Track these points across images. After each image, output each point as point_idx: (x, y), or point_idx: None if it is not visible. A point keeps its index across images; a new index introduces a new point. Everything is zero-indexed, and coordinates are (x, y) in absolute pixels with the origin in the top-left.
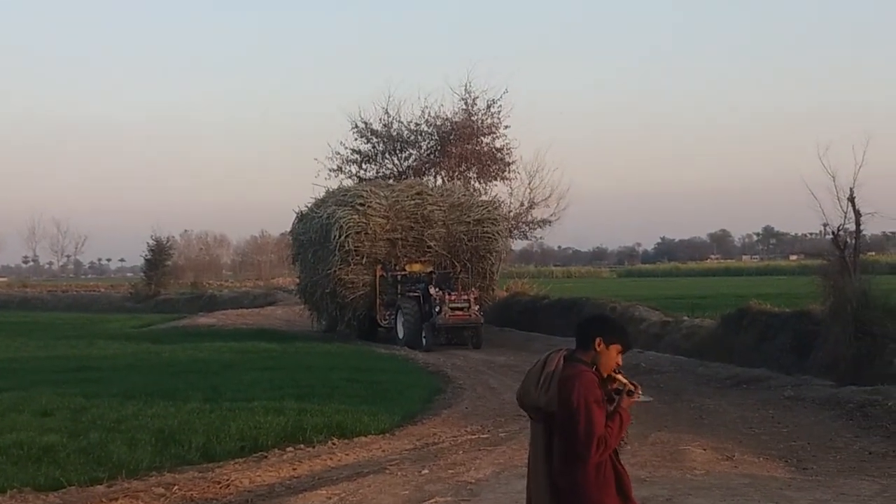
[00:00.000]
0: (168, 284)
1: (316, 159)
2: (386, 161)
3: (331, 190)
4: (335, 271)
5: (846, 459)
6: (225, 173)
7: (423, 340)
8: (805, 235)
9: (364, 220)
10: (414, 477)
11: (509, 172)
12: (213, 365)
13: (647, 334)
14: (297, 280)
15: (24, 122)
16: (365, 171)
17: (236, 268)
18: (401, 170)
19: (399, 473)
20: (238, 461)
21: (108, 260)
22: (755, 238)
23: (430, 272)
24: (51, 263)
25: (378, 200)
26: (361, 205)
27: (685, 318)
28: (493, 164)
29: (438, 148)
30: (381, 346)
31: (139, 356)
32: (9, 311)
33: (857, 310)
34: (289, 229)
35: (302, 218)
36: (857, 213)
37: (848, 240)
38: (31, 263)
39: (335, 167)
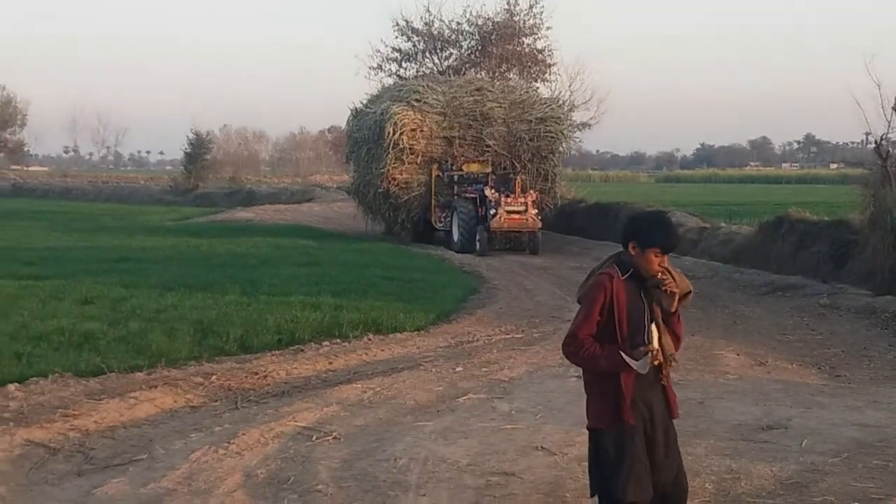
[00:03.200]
0: (207, 178)
1: (356, 56)
2: (426, 60)
3: (386, 85)
4: (388, 170)
5: (880, 368)
6: (265, 70)
7: (477, 244)
8: (847, 144)
9: (420, 117)
10: (448, 374)
11: (550, 74)
12: (250, 259)
13: (684, 240)
14: (351, 179)
15: (69, 14)
16: (405, 69)
17: (274, 164)
18: (441, 69)
19: (433, 370)
20: (275, 353)
21: (148, 152)
22: (796, 146)
23: (489, 173)
24: (91, 154)
25: (435, 96)
26: (417, 100)
27: (722, 224)
28: (534, 65)
29: (479, 48)
30: (415, 245)
31: (178, 248)
32: (49, 201)
33: None
34: (328, 127)
35: (356, 114)
36: None
37: (890, 149)
38: (72, 154)
39: (375, 65)
